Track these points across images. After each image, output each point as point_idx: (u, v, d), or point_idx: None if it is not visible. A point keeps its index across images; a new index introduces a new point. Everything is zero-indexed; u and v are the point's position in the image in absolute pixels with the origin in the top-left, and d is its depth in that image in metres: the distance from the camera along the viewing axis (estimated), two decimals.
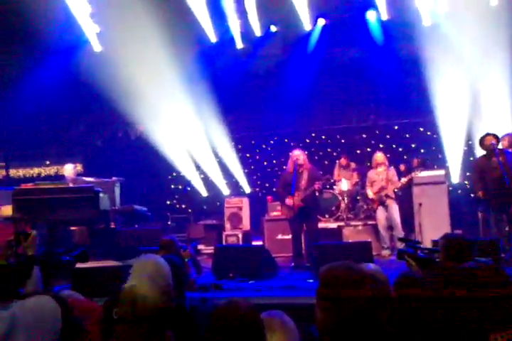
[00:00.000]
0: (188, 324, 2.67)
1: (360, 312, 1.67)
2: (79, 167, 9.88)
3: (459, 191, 8.57)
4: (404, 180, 7.33)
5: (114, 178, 7.87)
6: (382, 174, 7.41)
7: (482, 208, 6.86)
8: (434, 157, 9.38)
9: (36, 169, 11.47)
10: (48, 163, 11.48)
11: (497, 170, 6.22)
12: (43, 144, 11.35)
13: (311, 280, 5.67)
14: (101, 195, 6.73)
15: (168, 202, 10.99)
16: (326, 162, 10.07)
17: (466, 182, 8.85)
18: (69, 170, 7.34)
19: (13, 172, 11.32)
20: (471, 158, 8.17)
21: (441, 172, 7.75)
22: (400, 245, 6.60)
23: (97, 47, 10.59)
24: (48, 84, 9.71)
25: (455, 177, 8.64)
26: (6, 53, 10.17)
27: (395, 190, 7.40)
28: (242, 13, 10.45)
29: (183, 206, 10.62)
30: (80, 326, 2.00)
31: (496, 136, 6.36)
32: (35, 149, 11.31)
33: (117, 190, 7.87)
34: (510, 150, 6.48)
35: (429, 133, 9.94)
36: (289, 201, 6.71)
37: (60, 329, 1.61)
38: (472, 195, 6.97)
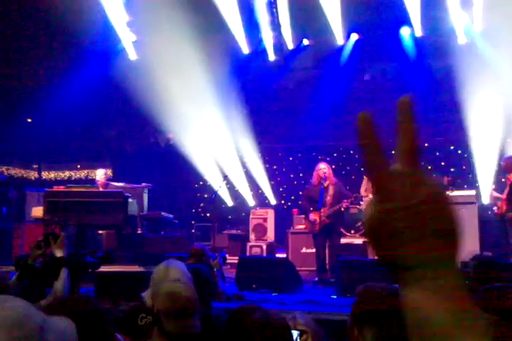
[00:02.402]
0: (214, 335, 2.68)
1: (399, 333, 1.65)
2: (109, 172, 10.03)
3: (490, 212, 8.39)
4: None
5: (143, 184, 7.98)
6: None
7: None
8: (464, 176, 9.22)
9: (67, 172, 11.69)
10: (78, 166, 11.70)
11: None
12: (74, 148, 11.58)
13: (334, 296, 5.62)
14: (130, 200, 6.84)
15: (193, 211, 11.05)
16: (353, 177, 9.99)
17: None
18: (100, 174, 7.49)
19: (44, 174, 11.56)
20: (503, 179, 8.02)
21: (472, 192, 7.62)
22: None
23: (132, 55, 10.83)
24: (83, 90, 9.92)
25: (485, 198, 8.48)
26: (46, 58, 10.45)
27: None
28: (275, 25, 10.56)
29: (208, 215, 10.66)
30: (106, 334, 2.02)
31: None
32: (67, 152, 11.54)
33: (145, 196, 7.97)
34: None
35: (459, 151, 9.79)
36: (313, 217, 6.68)
37: None
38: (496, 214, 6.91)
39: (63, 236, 3.34)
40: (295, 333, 2.13)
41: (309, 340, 2.08)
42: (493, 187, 7.53)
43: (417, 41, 10.16)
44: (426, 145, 10.23)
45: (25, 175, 11.62)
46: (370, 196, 8.53)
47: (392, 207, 0.52)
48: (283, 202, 10.66)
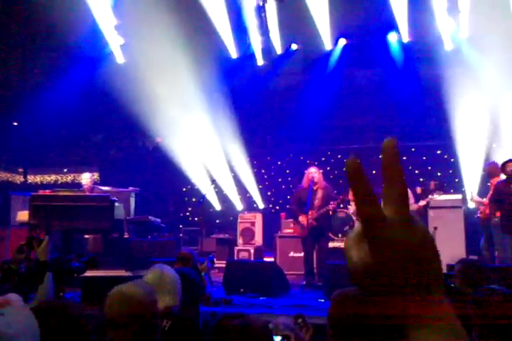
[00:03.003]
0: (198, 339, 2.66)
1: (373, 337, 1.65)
2: (96, 176, 9.96)
3: (475, 216, 8.46)
4: (422, 202, 7.27)
5: (130, 188, 7.93)
6: None
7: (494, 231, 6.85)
8: (451, 181, 9.30)
9: (53, 176, 11.58)
10: (65, 170, 11.59)
11: None
12: (61, 152, 11.48)
13: (322, 300, 5.62)
14: (116, 204, 6.78)
15: (181, 215, 11.00)
16: (341, 181, 10.02)
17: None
18: (86, 178, 7.42)
19: (30, 178, 11.44)
20: (489, 184, 8.09)
21: (459, 196, 7.69)
22: None
23: (120, 58, 10.78)
24: (69, 93, 9.87)
25: (471, 202, 8.56)
26: (31, 61, 10.39)
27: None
28: (264, 30, 10.60)
29: (196, 219, 10.63)
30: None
31: None
32: (53, 156, 11.44)
33: (132, 200, 7.92)
34: None
35: (446, 156, 9.87)
36: (302, 219, 6.70)
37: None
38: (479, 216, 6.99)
39: (47, 240, 3.30)
40: (278, 338, 2.12)
41: None
42: (472, 191, 7.59)
43: (404, 47, 10.27)
44: (413, 149, 10.31)
45: (10, 179, 11.50)
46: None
47: (389, 256, 0.51)
48: (271, 206, 10.66)
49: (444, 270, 5.34)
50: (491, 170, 7.17)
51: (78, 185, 9.16)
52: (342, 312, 1.71)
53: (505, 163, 6.52)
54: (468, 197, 7.57)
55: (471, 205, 8.37)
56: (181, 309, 2.81)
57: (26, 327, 1.41)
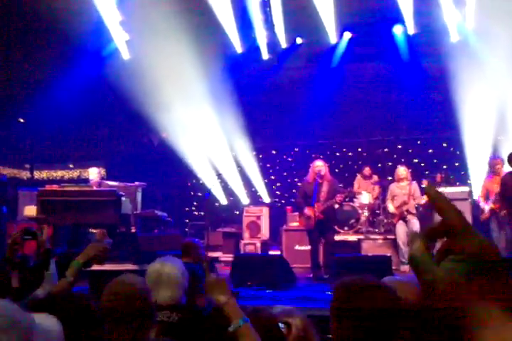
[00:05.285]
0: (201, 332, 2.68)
1: (377, 325, 1.65)
2: (102, 171, 9.99)
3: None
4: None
5: (136, 183, 7.96)
6: (404, 188, 7.34)
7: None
8: (457, 173, 9.27)
9: (60, 172, 11.63)
10: (71, 166, 11.64)
11: None
12: (67, 147, 11.53)
13: (329, 293, 5.63)
14: (123, 199, 6.82)
15: (187, 209, 11.04)
16: (347, 174, 10.02)
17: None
18: (93, 173, 7.45)
19: (36, 173, 11.50)
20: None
21: (466, 188, 7.67)
22: None
23: (125, 54, 10.79)
24: (76, 89, 9.89)
25: (477, 195, 8.53)
26: (36, 57, 10.40)
27: (417, 206, 7.33)
28: (269, 24, 10.56)
29: (202, 213, 10.66)
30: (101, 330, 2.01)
31: None
32: (59, 152, 11.49)
33: (139, 195, 7.95)
34: None
35: (452, 149, 9.84)
36: (308, 212, 6.70)
37: None
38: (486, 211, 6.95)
39: (46, 228, 3.36)
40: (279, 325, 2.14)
41: (295, 331, 2.09)
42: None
43: (409, 39, 10.20)
44: (419, 142, 10.28)
45: (17, 175, 11.56)
46: (364, 193, 8.57)
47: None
48: (276, 199, 10.67)
49: None
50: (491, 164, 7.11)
51: (84, 181, 9.20)
52: (347, 302, 1.71)
53: (511, 156, 6.46)
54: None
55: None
56: (191, 303, 2.83)
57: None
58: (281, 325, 2.02)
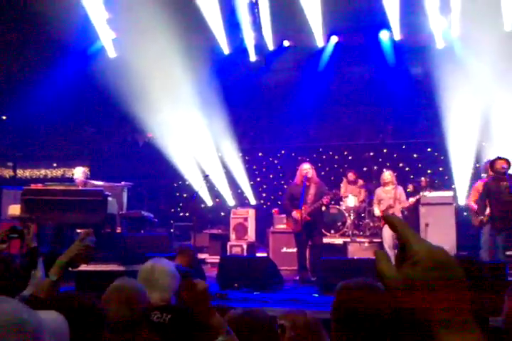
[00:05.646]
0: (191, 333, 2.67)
1: (378, 329, 1.65)
2: (87, 170, 9.87)
3: (465, 213, 8.56)
4: (412, 200, 7.32)
5: (122, 183, 7.88)
6: (390, 193, 7.41)
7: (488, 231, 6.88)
8: (441, 178, 9.40)
9: (43, 170, 11.45)
10: (55, 165, 11.48)
11: (505, 194, 6.27)
12: (51, 146, 11.37)
13: (316, 295, 5.66)
14: (109, 198, 6.74)
15: (173, 210, 10.97)
16: (332, 178, 10.07)
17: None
18: (79, 172, 7.33)
19: (20, 172, 11.31)
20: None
21: (450, 193, 7.77)
22: None
23: (111, 52, 10.70)
24: (60, 87, 9.76)
25: (462, 199, 8.66)
26: (21, 54, 10.25)
27: (402, 209, 7.40)
28: (256, 26, 10.58)
29: (187, 214, 10.60)
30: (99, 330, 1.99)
31: (507, 161, 6.41)
32: (43, 150, 11.32)
33: (125, 195, 7.87)
34: None
35: (436, 154, 9.97)
36: (295, 214, 6.72)
37: None
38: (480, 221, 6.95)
39: (32, 228, 3.32)
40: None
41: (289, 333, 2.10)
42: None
43: (395, 45, 10.32)
44: (404, 147, 10.40)
45: None
46: (350, 196, 8.63)
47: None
48: (262, 201, 10.68)
49: None
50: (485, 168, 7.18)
51: (68, 180, 9.08)
52: (347, 304, 1.72)
53: (494, 161, 6.54)
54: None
55: (462, 202, 8.47)
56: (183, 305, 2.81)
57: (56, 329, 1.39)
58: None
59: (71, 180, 7.99)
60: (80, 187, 7.00)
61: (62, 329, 1.45)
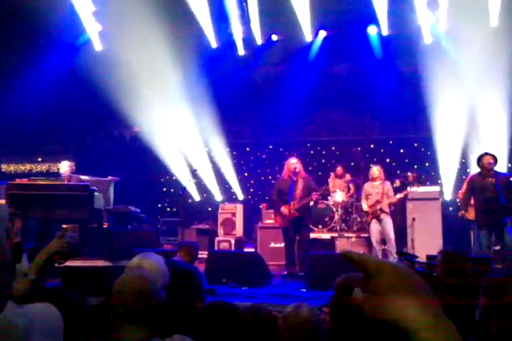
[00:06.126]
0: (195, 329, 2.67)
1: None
2: (73, 164, 9.77)
3: (451, 208, 8.64)
4: (400, 195, 7.35)
5: (109, 177, 7.80)
6: (377, 188, 7.43)
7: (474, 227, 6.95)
8: (427, 173, 9.45)
9: (28, 165, 11.29)
10: (39, 159, 11.33)
11: (490, 190, 6.32)
12: (36, 140, 11.22)
13: (304, 290, 5.67)
14: (96, 193, 6.68)
15: (159, 205, 10.90)
16: (320, 173, 10.09)
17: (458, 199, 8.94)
18: (65, 167, 7.23)
19: (4, 167, 11.15)
20: (464, 177, 8.26)
21: (437, 188, 7.82)
22: (394, 259, 6.64)
23: (98, 46, 10.56)
24: (45, 80, 9.63)
25: (447, 195, 8.73)
26: (5, 47, 10.07)
27: (390, 204, 7.44)
28: (245, 19, 10.51)
29: (174, 209, 10.54)
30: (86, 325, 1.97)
31: (494, 157, 6.45)
32: (27, 145, 11.17)
33: (112, 190, 7.80)
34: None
35: (423, 149, 10.03)
36: (284, 210, 6.71)
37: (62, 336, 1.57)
38: (460, 215, 7.01)
39: (18, 223, 3.28)
40: None
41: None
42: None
43: (383, 40, 10.33)
44: (391, 142, 10.44)
45: None
46: (338, 191, 8.65)
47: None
48: (250, 197, 10.66)
49: (424, 260, 5.45)
50: None
51: (53, 175, 8.96)
52: (347, 301, 1.70)
53: (481, 157, 6.56)
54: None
55: (448, 197, 8.54)
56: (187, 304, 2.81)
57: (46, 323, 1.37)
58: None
59: (56, 174, 7.89)
60: (66, 182, 6.92)
61: (54, 320, 1.43)
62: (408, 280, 0.67)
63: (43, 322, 1.37)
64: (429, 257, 5.40)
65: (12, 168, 11.15)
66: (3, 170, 11.02)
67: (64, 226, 6.47)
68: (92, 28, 10.42)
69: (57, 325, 1.45)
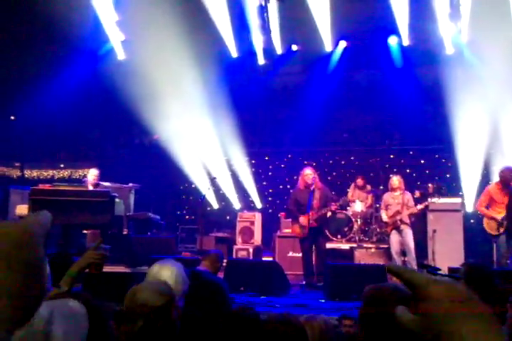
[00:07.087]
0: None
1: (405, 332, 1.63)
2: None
3: (472, 220, 8.51)
4: (420, 206, 7.26)
5: (130, 184, 7.86)
6: (397, 198, 7.35)
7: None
8: (449, 185, 9.34)
9: (50, 171, 11.48)
10: (62, 165, 11.50)
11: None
12: (58, 147, 11.40)
13: (322, 300, 5.63)
14: (116, 200, 6.74)
15: (179, 212, 10.96)
16: (339, 182, 10.05)
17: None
18: (93, 174, 7.28)
19: (27, 172, 11.34)
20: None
21: (458, 200, 7.72)
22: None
23: (120, 54, 10.73)
24: (69, 88, 9.80)
25: (469, 206, 8.60)
26: (31, 55, 10.28)
27: (410, 215, 7.36)
28: (265, 29, 10.59)
29: (193, 217, 10.59)
30: (106, 331, 1.98)
31: None
32: (50, 151, 11.35)
33: (132, 197, 7.86)
34: None
35: (444, 160, 9.93)
36: (303, 220, 6.68)
37: (86, 334, 1.59)
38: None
39: None
40: None
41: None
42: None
43: (404, 50, 10.30)
44: (411, 153, 10.36)
45: (7, 173, 11.38)
46: (357, 202, 8.60)
47: None
48: (268, 205, 10.65)
49: (446, 272, 5.36)
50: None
51: (75, 181, 9.06)
52: (376, 310, 1.69)
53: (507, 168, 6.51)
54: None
55: (470, 209, 8.41)
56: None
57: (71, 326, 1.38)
58: None
59: (78, 181, 7.97)
60: (90, 188, 7.00)
61: (78, 314, 1.44)
62: (467, 307, 0.60)
63: (66, 316, 1.38)
64: (451, 269, 5.32)
65: (35, 173, 11.34)
66: (27, 175, 11.20)
67: (85, 231, 6.51)
68: (115, 37, 10.60)
69: (81, 319, 1.46)
